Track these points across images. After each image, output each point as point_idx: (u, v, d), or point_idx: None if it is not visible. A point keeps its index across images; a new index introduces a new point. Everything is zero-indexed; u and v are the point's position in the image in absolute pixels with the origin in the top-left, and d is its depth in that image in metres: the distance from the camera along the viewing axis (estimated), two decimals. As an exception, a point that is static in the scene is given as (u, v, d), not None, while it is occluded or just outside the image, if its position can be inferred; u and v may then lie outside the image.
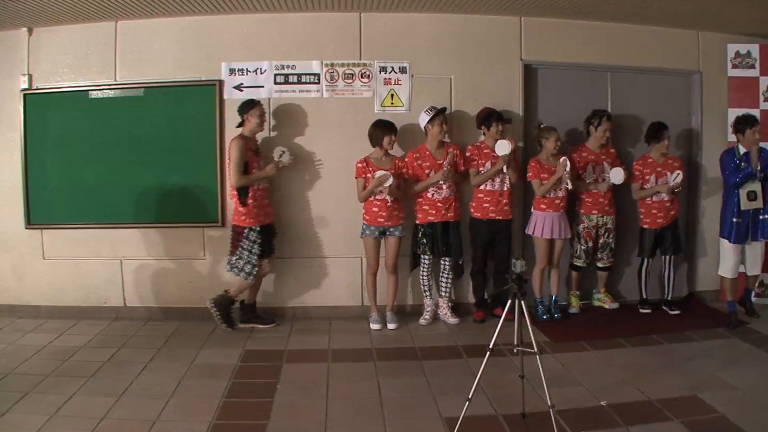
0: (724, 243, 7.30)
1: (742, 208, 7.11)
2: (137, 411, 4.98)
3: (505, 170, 7.20)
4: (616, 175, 7.41)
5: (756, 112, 7.81)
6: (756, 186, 7.04)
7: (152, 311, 7.62)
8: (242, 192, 6.92)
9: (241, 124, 7.05)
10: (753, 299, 7.62)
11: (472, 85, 7.68)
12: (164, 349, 6.53)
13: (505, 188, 7.32)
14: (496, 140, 7.23)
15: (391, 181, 6.95)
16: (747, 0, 6.86)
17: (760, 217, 7.13)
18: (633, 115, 8.13)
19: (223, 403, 5.17)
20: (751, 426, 4.68)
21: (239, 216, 6.97)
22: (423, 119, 7.21)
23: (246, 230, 6.96)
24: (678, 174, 7.44)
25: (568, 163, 7.18)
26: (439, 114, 7.17)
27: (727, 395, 5.27)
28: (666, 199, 7.60)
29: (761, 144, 7.09)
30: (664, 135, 7.59)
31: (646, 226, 7.77)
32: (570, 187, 7.26)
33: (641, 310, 7.84)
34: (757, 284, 7.70)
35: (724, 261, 7.36)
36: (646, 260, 7.84)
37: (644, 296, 7.91)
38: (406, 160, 7.33)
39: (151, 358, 6.23)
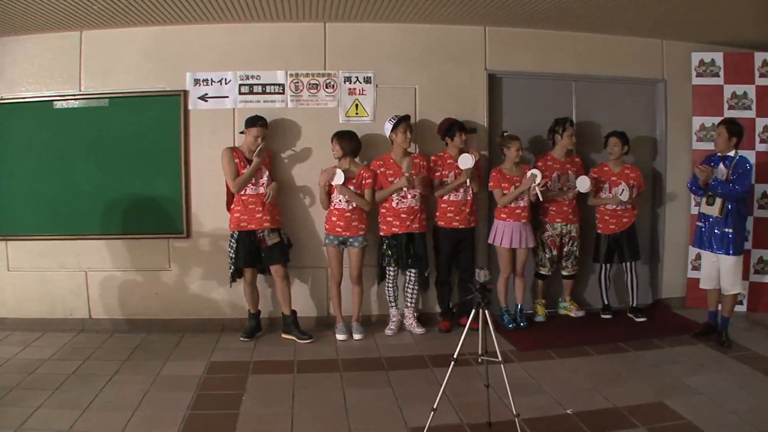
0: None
1: (700, 210, 7.23)
2: (102, 424, 5.05)
3: (468, 182, 7.39)
4: (583, 184, 7.66)
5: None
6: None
7: (118, 323, 7.71)
8: (231, 198, 7.27)
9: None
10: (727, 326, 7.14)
11: (437, 95, 7.87)
12: (130, 361, 6.59)
13: (469, 198, 7.49)
14: (460, 150, 7.43)
15: (339, 178, 7.09)
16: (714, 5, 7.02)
17: (715, 231, 7.01)
18: (597, 124, 8.38)
19: (189, 415, 5.24)
20: (715, 430, 4.88)
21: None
22: (387, 128, 7.38)
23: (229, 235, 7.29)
24: (623, 190, 7.66)
25: (539, 175, 7.34)
26: (402, 121, 7.31)
27: (692, 401, 5.46)
28: (618, 207, 7.88)
29: (741, 152, 7.09)
30: (607, 142, 7.90)
31: (599, 232, 8.06)
32: (541, 199, 7.45)
33: (602, 316, 8.12)
34: (729, 308, 7.10)
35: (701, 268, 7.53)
36: (604, 267, 8.13)
37: (606, 302, 8.19)
38: (371, 168, 7.45)
39: (116, 370, 6.29)
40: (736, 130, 7.03)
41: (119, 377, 6.14)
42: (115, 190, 7.64)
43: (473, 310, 4.79)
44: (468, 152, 7.31)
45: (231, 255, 7.24)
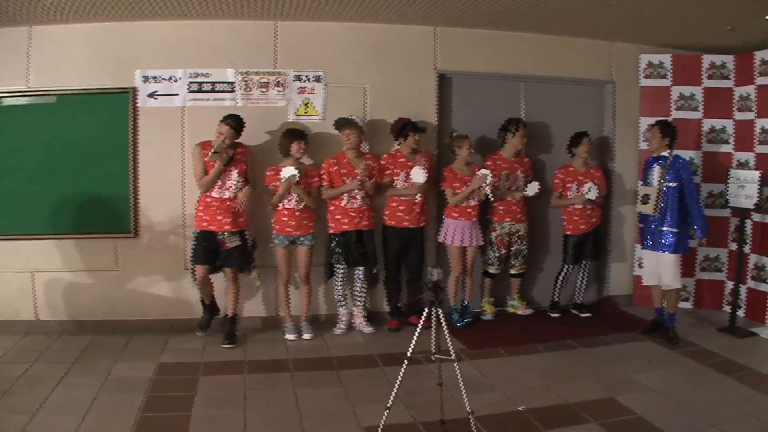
0: None
1: (637, 209, 7.63)
2: (53, 428, 5.05)
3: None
4: (532, 189, 7.89)
5: (668, 121, 8.33)
6: (650, 190, 7.32)
7: (65, 325, 7.61)
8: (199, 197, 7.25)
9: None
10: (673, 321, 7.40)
11: (387, 94, 7.96)
12: (78, 363, 6.55)
13: (418, 198, 7.60)
14: (413, 149, 7.58)
15: (297, 177, 7.15)
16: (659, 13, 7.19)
17: (652, 228, 7.36)
18: (546, 124, 8.60)
19: (141, 418, 5.27)
20: (666, 424, 5.10)
21: None
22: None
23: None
24: (590, 188, 7.89)
25: (489, 176, 7.52)
26: (346, 125, 7.42)
27: (642, 396, 5.70)
28: (586, 207, 8.07)
29: (676, 152, 7.42)
30: (580, 142, 8.06)
31: (569, 233, 8.25)
32: (492, 198, 7.62)
33: (550, 314, 8.34)
34: (673, 303, 7.38)
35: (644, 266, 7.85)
36: (566, 267, 8.30)
37: (556, 300, 8.39)
38: (324, 165, 7.51)
39: (65, 372, 6.24)
40: (668, 131, 7.35)
41: (68, 380, 6.10)
42: (62, 189, 7.57)
43: (426, 309, 4.87)
44: (420, 167, 7.42)
45: (191, 252, 7.26)
